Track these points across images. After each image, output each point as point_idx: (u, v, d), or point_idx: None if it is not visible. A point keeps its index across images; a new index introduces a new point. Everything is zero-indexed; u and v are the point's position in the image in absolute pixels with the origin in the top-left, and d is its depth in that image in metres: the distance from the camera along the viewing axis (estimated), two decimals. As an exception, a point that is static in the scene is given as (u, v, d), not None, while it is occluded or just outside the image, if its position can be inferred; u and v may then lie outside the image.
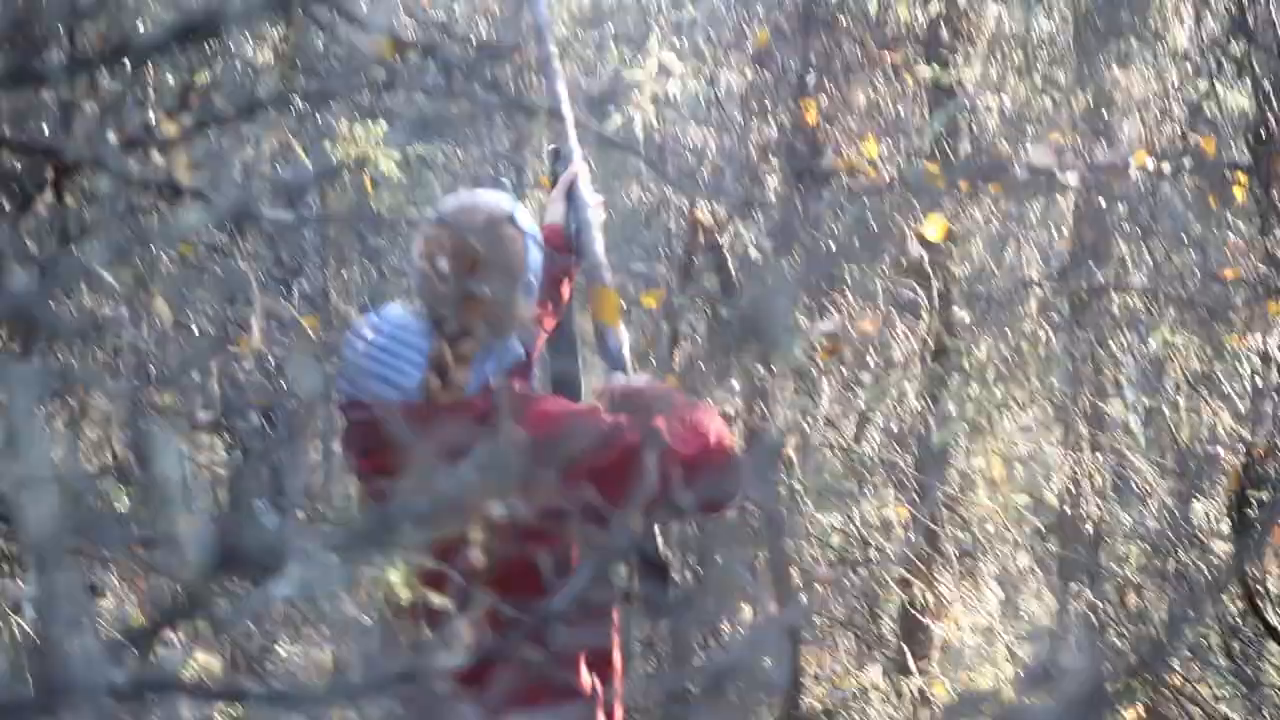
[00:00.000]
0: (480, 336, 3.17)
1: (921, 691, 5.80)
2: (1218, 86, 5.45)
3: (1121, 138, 5.58)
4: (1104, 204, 5.72)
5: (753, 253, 5.80)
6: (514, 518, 2.29)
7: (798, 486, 5.85)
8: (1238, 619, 6.40)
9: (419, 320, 3.22)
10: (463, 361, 3.17)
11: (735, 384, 5.74)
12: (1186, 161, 5.03)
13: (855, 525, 6.01)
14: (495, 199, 3.36)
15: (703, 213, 5.78)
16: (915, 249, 5.61)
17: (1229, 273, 5.73)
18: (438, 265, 3.20)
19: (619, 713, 3.39)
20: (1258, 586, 5.98)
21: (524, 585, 2.56)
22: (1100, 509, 6.32)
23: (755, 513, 5.85)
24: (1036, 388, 6.25)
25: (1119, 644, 6.54)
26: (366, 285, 7.83)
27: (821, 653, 6.16)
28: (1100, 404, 6.23)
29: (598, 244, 3.55)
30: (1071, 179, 4.78)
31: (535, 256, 3.28)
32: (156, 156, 2.10)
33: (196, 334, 6.22)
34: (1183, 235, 5.81)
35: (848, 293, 5.67)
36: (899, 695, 5.80)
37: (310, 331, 6.20)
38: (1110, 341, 6.02)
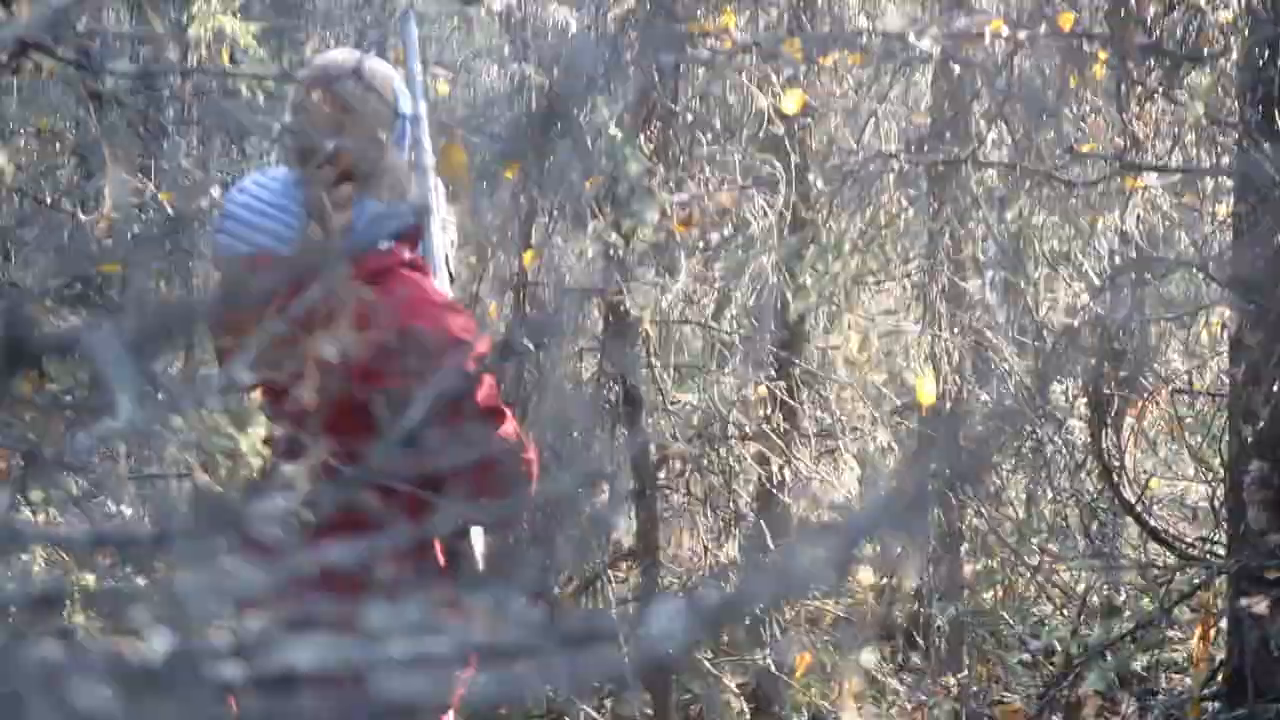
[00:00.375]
0: (357, 184, 3.16)
1: (778, 566, 5.78)
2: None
3: (978, 5, 5.55)
4: (961, 76, 5.68)
5: (611, 129, 5.72)
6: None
7: (656, 364, 5.81)
8: (1095, 498, 6.45)
9: (298, 177, 3.22)
10: (340, 208, 3.16)
11: (591, 256, 5.67)
12: (1043, 30, 4.99)
13: (714, 403, 5.98)
14: (357, 53, 3.39)
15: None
16: (773, 122, 5.55)
17: (1087, 148, 5.71)
18: (306, 115, 3.21)
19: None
20: (1114, 463, 6.03)
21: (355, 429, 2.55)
22: (958, 387, 6.31)
23: (614, 390, 5.80)
24: (895, 262, 6.24)
25: (978, 525, 6.58)
26: (227, 160, 7.73)
27: (680, 530, 6.15)
28: (959, 281, 6.21)
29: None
30: (927, 45, 4.72)
31: (404, 104, 3.29)
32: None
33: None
34: (1041, 110, 5.78)
35: (705, 166, 5.61)
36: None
37: (168, 206, 6.09)
38: (969, 218, 6.00)
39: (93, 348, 1.44)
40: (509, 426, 3.22)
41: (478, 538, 3.40)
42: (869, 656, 5.82)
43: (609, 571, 5.72)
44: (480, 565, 3.41)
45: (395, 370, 2.91)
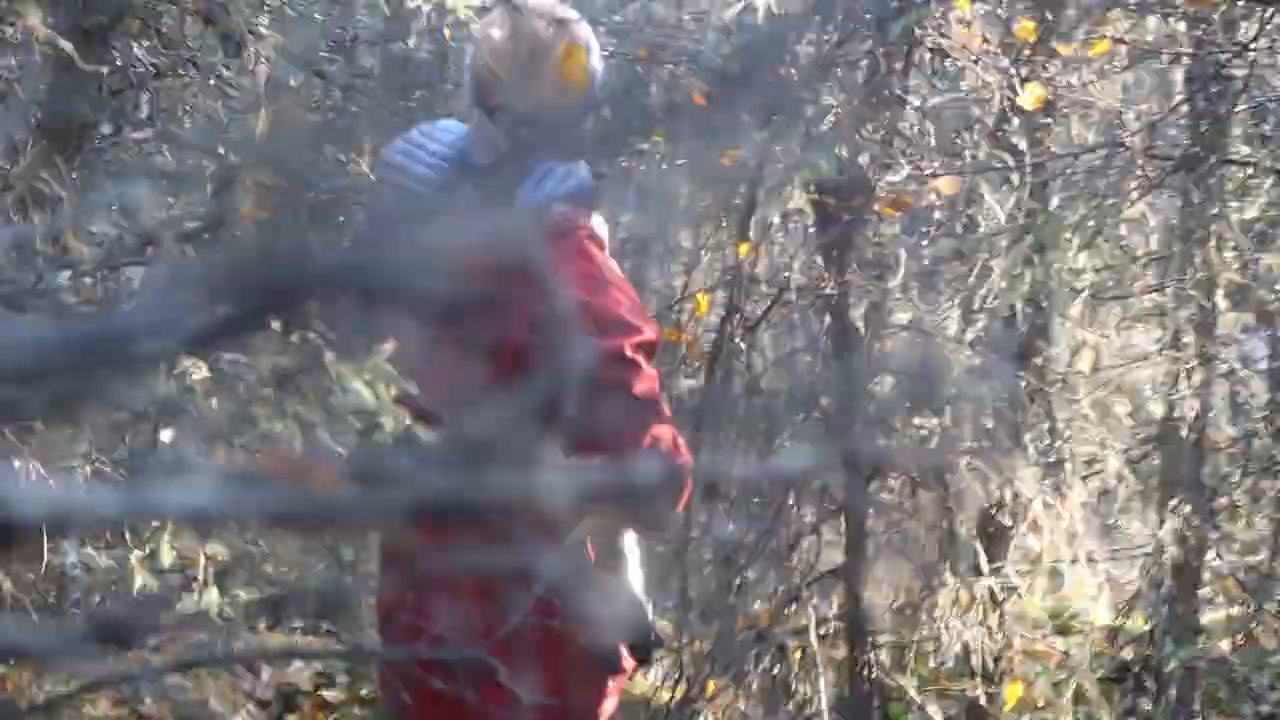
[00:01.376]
0: (543, 129, 2.87)
1: (992, 593, 5.40)
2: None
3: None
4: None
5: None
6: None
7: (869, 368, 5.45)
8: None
9: (475, 125, 2.99)
10: (520, 152, 2.87)
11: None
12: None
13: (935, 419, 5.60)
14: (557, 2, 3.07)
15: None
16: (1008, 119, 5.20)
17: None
18: (493, 53, 2.95)
19: None
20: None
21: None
22: (1202, 418, 5.84)
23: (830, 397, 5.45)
24: (1137, 276, 5.79)
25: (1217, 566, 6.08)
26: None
27: (892, 552, 5.76)
28: (1207, 303, 5.73)
29: None
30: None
31: (597, 63, 3.02)
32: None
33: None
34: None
35: (928, 155, 5.25)
36: (971, 599, 5.40)
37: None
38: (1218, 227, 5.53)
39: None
40: (665, 429, 2.91)
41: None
42: (1090, 692, 5.39)
43: (807, 588, 5.37)
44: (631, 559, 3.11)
45: (552, 347, 2.67)
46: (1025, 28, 5.06)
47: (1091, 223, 5.23)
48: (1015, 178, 5.22)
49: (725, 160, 5.72)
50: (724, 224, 5.49)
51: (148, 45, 4.15)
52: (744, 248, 5.35)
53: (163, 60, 4.18)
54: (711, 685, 5.24)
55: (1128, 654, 6.08)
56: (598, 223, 3.00)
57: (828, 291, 5.28)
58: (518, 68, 2.93)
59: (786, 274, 5.43)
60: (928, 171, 5.01)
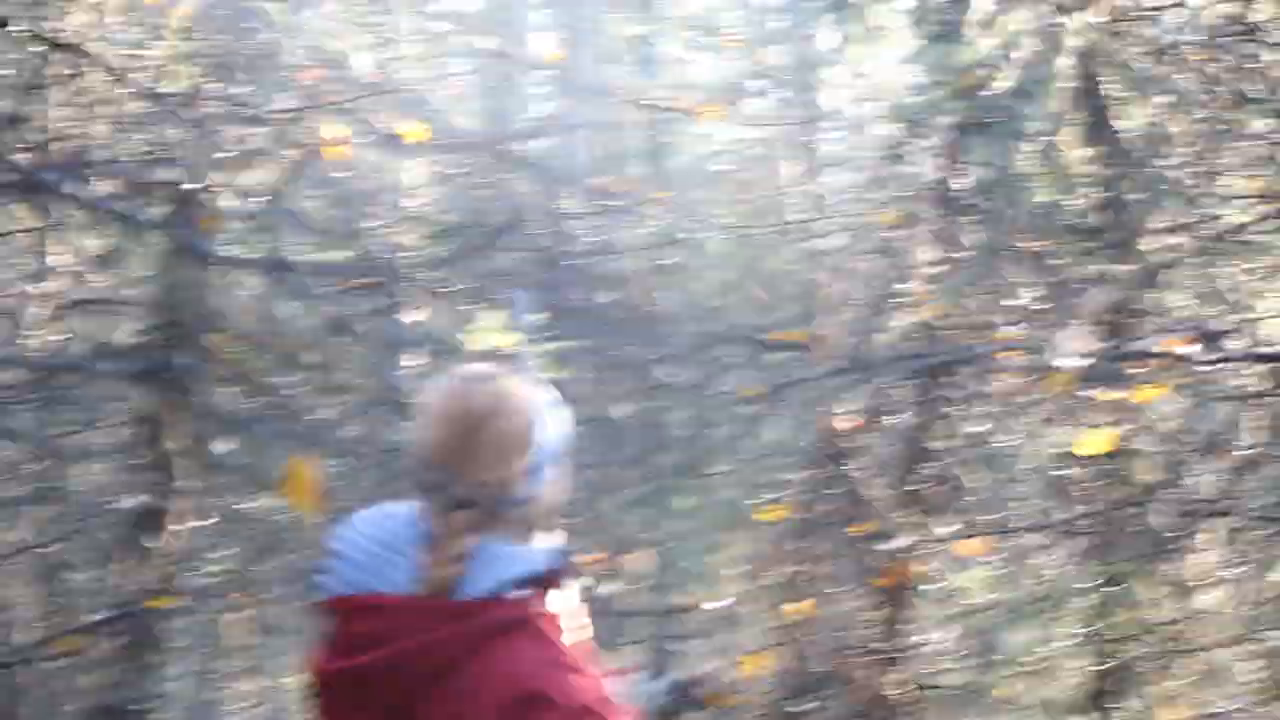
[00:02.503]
0: (484, 510, 2.74)
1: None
2: None
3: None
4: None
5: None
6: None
7: None
8: None
9: (418, 510, 2.80)
10: (456, 536, 2.73)
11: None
12: None
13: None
14: (508, 370, 2.90)
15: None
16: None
17: None
18: (433, 431, 2.78)
19: None
20: None
21: None
22: None
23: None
24: None
25: None
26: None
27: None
28: None
29: None
30: None
31: (555, 432, 2.85)
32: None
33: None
34: None
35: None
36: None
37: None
38: None
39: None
40: None
41: None
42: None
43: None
44: None
45: None
46: None
47: None
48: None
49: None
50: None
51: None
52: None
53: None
54: None
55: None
56: (558, 600, 2.82)
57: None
58: (450, 447, 2.77)
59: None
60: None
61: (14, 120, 5.72)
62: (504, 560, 2.74)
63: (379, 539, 2.79)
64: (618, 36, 14.81)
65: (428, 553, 2.72)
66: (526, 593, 2.73)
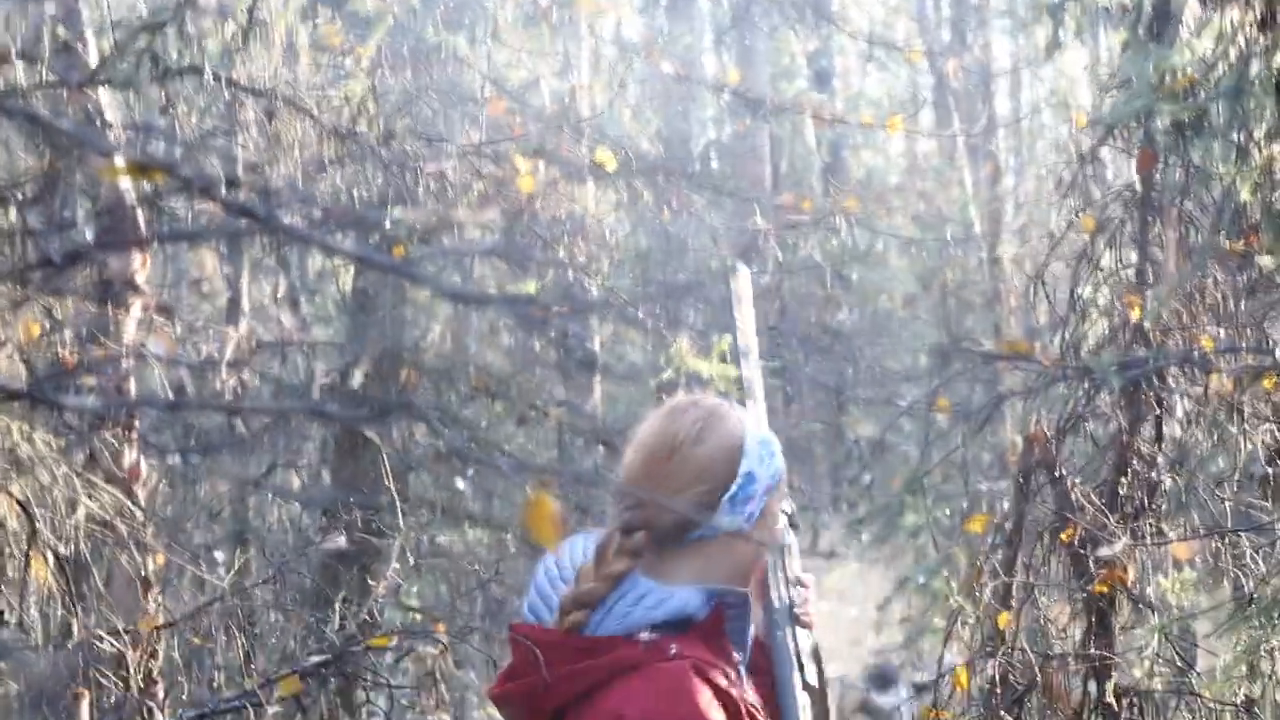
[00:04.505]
0: (658, 537, 2.64)
1: None
2: None
3: None
4: None
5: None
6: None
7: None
8: None
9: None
10: (612, 560, 2.62)
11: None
12: None
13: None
14: (708, 399, 2.79)
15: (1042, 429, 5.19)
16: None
17: None
18: (637, 449, 2.72)
19: None
20: None
21: None
22: None
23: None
24: None
25: None
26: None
27: None
28: None
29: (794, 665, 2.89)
30: None
31: (766, 467, 2.72)
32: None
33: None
34: None
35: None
36: None
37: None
38: None
39: None
40: None
41: None
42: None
43: None
44: None
45: None
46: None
47: None
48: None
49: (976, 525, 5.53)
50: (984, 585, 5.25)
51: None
52: (1003, 617, 5.12)
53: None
54: None
55: None
56: (703, 653, 2.63)
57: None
58: (643, 470, 2.69)
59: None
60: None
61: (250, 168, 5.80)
62: (646, 599, 2.63)
63: (563, 567, 2.71)
64: (794, 53, 14.81)
65: (578, 579, 2.65)
66: (655, 637, 2.60)
